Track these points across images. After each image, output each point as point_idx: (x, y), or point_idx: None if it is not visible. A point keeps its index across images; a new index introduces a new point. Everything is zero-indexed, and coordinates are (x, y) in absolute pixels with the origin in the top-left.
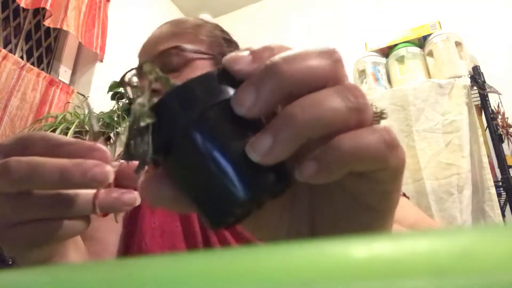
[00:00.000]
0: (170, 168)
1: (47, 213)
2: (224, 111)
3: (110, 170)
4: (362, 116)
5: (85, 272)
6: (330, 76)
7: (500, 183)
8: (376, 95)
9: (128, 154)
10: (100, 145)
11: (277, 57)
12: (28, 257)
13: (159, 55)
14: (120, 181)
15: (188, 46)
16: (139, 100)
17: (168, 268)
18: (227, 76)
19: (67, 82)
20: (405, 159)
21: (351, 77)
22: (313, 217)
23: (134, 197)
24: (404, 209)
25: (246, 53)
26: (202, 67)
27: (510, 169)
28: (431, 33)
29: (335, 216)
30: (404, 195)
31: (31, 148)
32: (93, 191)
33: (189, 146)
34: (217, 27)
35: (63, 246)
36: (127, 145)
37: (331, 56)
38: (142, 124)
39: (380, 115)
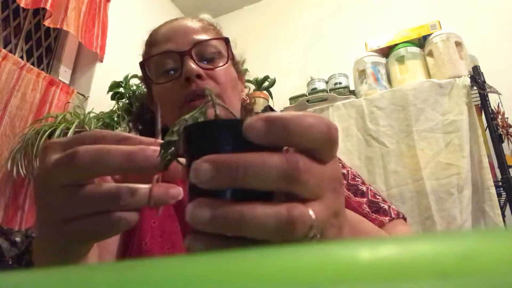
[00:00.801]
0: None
1: (107, 205)
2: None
3: None
4: (286, 235)
5: (95, 273)
6: (282, 191)
7: (500, 183)
8: (376, 95)
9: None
10: (156, 140)
11: (243, 162)
12: (72, 253)
13: (198, 43)
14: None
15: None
16: (186, 116)
17: (177, 269)
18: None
19: (67, 82)
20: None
21: (351, 77)
22: None
23: (179, 191)
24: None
25: (261, 123)
26: (227, 65)
27: (510, 169)
28: (431, 33)
29: None
30: (403, 217)
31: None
32: (147, 186)
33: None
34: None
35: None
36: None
37: (292, 178)
38: (171, 138)
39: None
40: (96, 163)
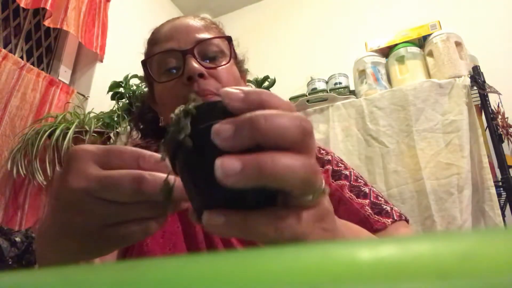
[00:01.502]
0: (178, 167)
1: (143, 213)
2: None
3: None
4: (309, 185)
5: (94, 274)
6: (296, 143)
7: (500, 183)
8: (376, 95)
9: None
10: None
11: (259, 113)
12: (103, 253)
13: (201, 42)
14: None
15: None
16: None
17: (177, 269)
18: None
19: (67, 82)
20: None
21: (351, 77)
22: None
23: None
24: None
25: (239, 91)
26: (230, 64)
27: (510, 169)
28: (431, 33)
29: None
30: (405, 218)
31: (119, 160)
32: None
33: (188, 152)
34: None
35: None
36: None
37: (304, 128)
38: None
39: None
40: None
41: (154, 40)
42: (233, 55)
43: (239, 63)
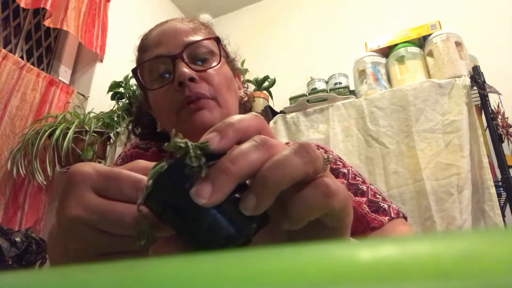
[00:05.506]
0: (177, 225)
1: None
2: None
3: None
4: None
5: (94, 274)
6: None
7: (500, 183)
8: (376, 95)
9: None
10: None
11: (227, 161)
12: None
13: (190, 45)
14: None
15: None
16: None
17: (177, 269)
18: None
19: (67, 82)
20: (346, 199)
21: (351, 77)
22: (290, 235)
23: None
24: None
25: (214, 134)
26: (221, 63)
27: (510, 169)
28: (431, 33)
29: (306, 234)
30: (403, 216)
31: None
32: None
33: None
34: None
35: None
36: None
37: (256, 127)
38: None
39: (327, 161)
40: None
41: (144, 47)
42: (224, 55)
43: (231, 62)
